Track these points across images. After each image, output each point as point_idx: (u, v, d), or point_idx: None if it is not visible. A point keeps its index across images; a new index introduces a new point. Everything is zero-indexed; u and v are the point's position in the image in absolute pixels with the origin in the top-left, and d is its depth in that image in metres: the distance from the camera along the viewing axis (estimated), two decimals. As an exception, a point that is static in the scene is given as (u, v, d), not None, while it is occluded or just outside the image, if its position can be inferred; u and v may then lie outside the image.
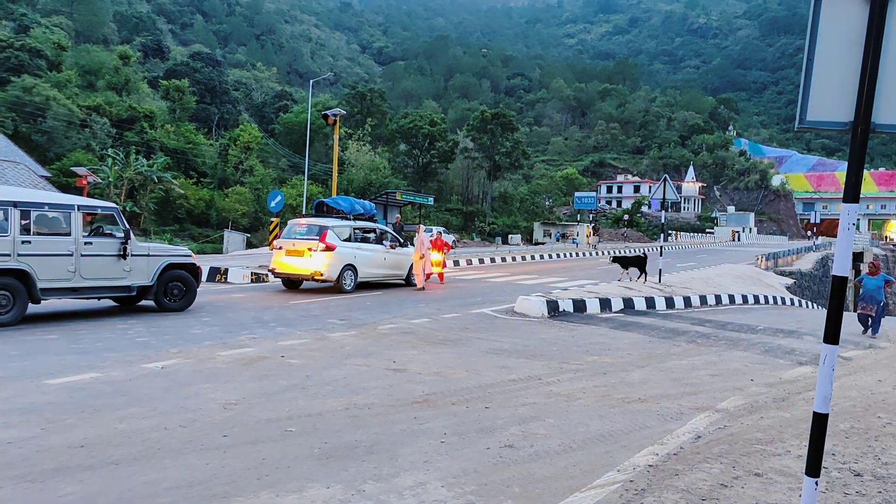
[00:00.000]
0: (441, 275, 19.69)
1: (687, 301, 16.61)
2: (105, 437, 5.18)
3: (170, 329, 10.18)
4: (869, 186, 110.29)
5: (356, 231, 17.19)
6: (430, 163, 65.35)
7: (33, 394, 6.30)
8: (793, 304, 22.46)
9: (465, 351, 9.34)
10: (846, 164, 3.00)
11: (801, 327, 14.11)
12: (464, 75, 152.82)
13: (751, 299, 19.41)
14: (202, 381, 6.99)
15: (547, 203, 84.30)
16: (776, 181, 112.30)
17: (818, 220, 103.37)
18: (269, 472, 4.58)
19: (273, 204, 24.62)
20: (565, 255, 38.76)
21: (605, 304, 14.73)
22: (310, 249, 15.75)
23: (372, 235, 17.83)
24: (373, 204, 22.15)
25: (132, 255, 11.43)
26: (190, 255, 12.75)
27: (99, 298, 11.72)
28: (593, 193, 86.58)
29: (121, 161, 39.10)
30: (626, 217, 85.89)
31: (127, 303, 12.39)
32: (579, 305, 14.20)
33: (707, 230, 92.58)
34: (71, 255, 10.66)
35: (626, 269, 19.81)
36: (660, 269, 19.41)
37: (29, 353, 8.14)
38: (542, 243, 60.43)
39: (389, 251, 17.86)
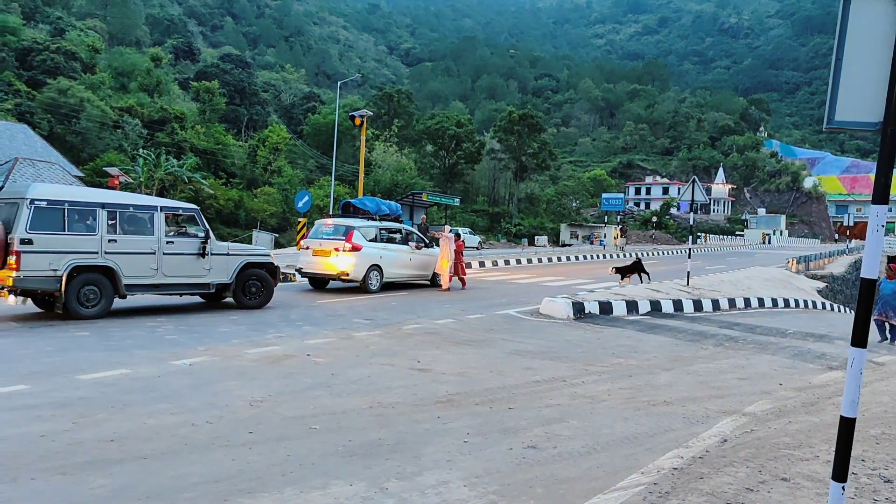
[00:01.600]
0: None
1: (715, 304, 16.43)
2: (134, 431, 5.27)
3: (198, 327, 10.32)
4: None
5: (382, 231, 17.26)
6: (456, 164, 65.41)
7: (66, 389, 6.43)
8: (824, 308, 22.09)
9: (489, 352, 9.34)
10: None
11: (832, 331, 13.88)
12: (491, 76, 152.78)
13: (781, 303, 19.13)
14: (229, 379, 7.08)
15: (574, 204, 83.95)
16: (808, 183, 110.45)
17: (852, 223, 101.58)
18: (293, 469, 4.62)
19: (300, 204, 24.82)
20: (592, 257, 38.53)
21: (632, 306, 14.61)
22: (336, 249, 15.85)
23: (398, 236, 17.89)
24: (398, 205, 22.21)
25: (212, 254, 11.99)
26: (268, 255, 13.29)
27: (181, 295, 12.34)
28: (621, 195, 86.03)
29: (152, 161, 39.72)
30: (654, 219, 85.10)
31: (212, 299, 12.90)
32: (605, 307, 14.11)
33: (737, 232, 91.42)
34: (153, 253, 11.29)
35: (628, 277, 19.73)
36: (688, 272, 19.22)
37: (62, 349, 8.31)
38: (569, 245, 60.15)
39: (415, 252, 17.90)
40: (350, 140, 59.09)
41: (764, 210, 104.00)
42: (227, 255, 12.36)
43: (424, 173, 64.10)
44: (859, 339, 2.99)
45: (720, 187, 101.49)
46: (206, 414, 5.80)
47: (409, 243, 17.95)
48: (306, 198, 25.29)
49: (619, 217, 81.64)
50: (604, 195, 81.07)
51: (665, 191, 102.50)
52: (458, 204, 49.42)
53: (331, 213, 29.68)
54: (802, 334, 12.93)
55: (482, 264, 27.86)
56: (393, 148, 60.60)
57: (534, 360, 8.91)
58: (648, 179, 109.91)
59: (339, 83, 45.16)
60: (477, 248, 44.63)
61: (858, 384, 2.97)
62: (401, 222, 19.40)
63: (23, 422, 5.40)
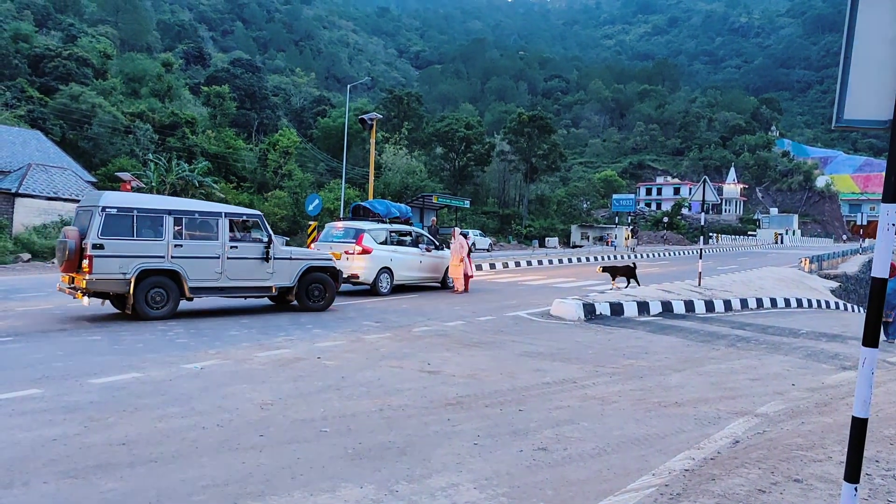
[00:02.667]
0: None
1: (727, 304, 16.33)
2: (145, 435, 5.29)
3: (208, 331, 10.36)
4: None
5: (392, 234, 17.29)
6: (466, 166, 65.39)
7: (77, 393, 6.47)
8: (837, 307, 21.92)
9: (499, 353, 9.32)
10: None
11: (846, 331, 13.76)
12: (500, 78, 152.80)
13: (793, 303, 19.00)
14: (239, 382, 7.10)
15: (584, 206, 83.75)
16: (821, 182, 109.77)
17: (865, 222, 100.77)
18: (303, 472, 4.63)
19: (311, 208, 24.83)
20: (604, 259, 38.39)
21: (643, 307, 14.55)
22: (347, 252, 15.89)
23: (408, 238, 17.91)
24: (409, 207, 22.24)
25: (275, 259, 12.42)
26: (330, 259, 13.57)
27: (244, 297, 12.75)
28: (631, 196, 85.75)
29: (163, 166, 39.93)
30: (665, 219, 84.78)
31: (276, 302, 13.42)
32: (616, 308, 14.05)
33: (749, 232, 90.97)
34: (218, 257, 11.78)
35: (615, 278, 19.35)
36: (699, 272, 19.12)
37: (73, 353, 8.36)
38: (580, 246, 60.02)
39: (425, 254, 17.91)
40: (360, 143, 59.20)
41: (776, 210, 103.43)
42: (290, 259, 12.75)
43: (434, 175, 64.10)
44: (870, 338, 2.96)
45: (732, 187, 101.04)
46: (216, 417, 5.81)
47: (420, 246, 17.97)
48: (316, 201, 25.30)
49: (629, 218, 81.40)
50: (614, 196, 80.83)
51: (676, 191, 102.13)
52: (468, 206, 49.40)
53: (341, 216, 29.73)
54: (815, 334, 12.83)
55: (493, 266, 27.83)
56: (403, 150, 60.64)
57: (544, 361, 8.88)
58: (659, 180, 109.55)
59: (348, 86, 45.25)
60: (487, 250, 44.62)
61: (870, 384, 2.94)
62: (411, 225, 19.41)
63: (34, 426, 5.43)
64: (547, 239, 61.03)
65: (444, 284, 18.58)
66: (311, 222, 25.50)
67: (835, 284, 29.31)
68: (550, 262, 33.46)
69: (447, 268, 18.42)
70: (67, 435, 5.22)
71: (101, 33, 76.36)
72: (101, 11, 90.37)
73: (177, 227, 11.39)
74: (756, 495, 4.03)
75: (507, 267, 28.84)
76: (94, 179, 35.73)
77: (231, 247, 11.93)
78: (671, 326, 12.84)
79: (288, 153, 53.16)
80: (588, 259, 36.69)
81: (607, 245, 58.67)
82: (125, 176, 30.14)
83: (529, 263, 31.57)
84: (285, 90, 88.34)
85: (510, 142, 68.88)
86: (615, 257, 39.10)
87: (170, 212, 11.39)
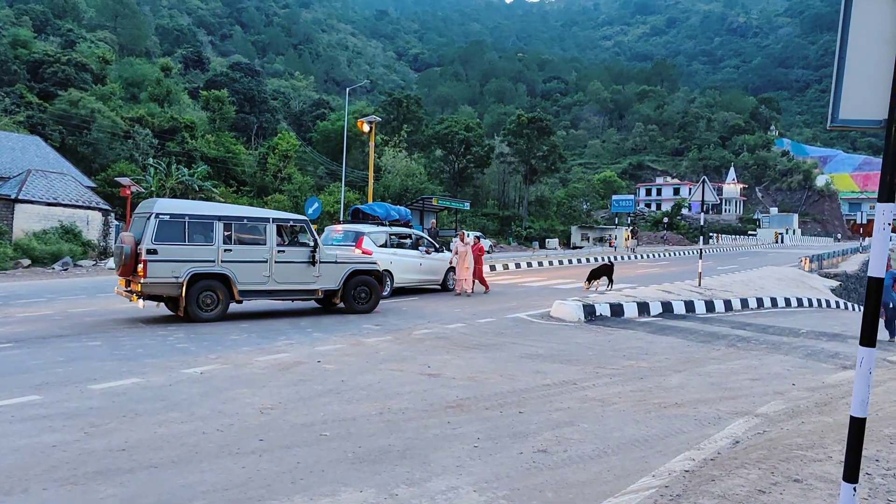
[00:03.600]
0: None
1: (727, 304, 16.33)
2: (145, 440, 5.29)
3: (208, 335, 10.36)
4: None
5: (392, 237, 17.29)
6: (465, 168, 65.38)
7: (77, 399, 6.47)
8: (838, 306, 21.91)
9: (499, 356, 9.32)
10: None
11: (846, 330, 13.75)
12: (499, 80, 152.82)
13: (794, 302, 18.99)
14: (239, 387, 7.09)
15: (584, 207, 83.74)
16: (820, 181, 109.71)
17: (865, 221, 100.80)
18: (303, 476, 4.62)
19: (310, 211, 24.86)
20: (604, 260, 38.36)
21: (643, 307, 14.55)
22: (346, 255, 15.86)
23: (408, 241, 17.90)
24: (408, 210, 22.26)
25: (321, 263, 12.79)
26: (374, 263, 13.96)
27: (292, 300, 13.24)
28: (631, 196, 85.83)
29: (163, 171, 39.97)
30: (665, 220, 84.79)
31: (324, 304, 13.87)
32: (616, 309, 14.05)
33: (749, 232, 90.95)
34: (266, 261, 12.18)
35: (597, 280, 19.02)
36: (699, 273, 19.12)
37: (74, 359, 8.36)
38: (580, 247, 60.01)
39: (425, 256, 17.90)
40: (359, 146, 59.23)
41: (776, 209, 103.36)
42: (336, 262, 13.10)
43: (434, 178, 64.07)
44: (868, 338, 2.96)
45: (731, 187, 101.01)
46: (216, 422, 5.81)
47: (420, 248, 17.97)
48: (316, 204, 25.34)
49: (629, 219, 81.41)
50: (614, 197, 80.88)
51: (676, 191, 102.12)
52: (467, 208, 49.35)
53: (341, 219, 29.75)
54: (815, 334, 12.83)
55: (493, 268, 27.82)
56: (402, 153, 60.63)
57: (544, 363, 8.88)
58: (659, 180, 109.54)
59: (347, 89, 45.26)
60: (488, 252, 44.61)
61: (868, 383, 2.94)
62: (411, 227, 19.41)
63: (34, 432, 5.43)
64: (547, 240, 61.02)
65: (444, 287, 18.57)
66: (310, 226, 25.52)
67: (835, 283, 29.28)
68: (551, 263, 33.46)
69: (447, 270, 18.42)
70: (67, 441, 5.22)
71: (100, 38, 76.48)
72: (99, 17, 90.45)
73: (226, 233, 11.82)
74: (756, 496, 4.02)
75: (508, 268, 28.83)
76: (93, 185, 35.72)
77: (278, 251, 12.31)
78: (671, 327, 12.84)
79: (287, 157, 53.18)
80: (588, 260, 36.66)
81: (611, 245, 58.65)
82: (125, 181, 30.14)
83: (530, 265, 31.56)
84: (284, 94, 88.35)
85: (509, 143, 68.86)
86: (615, 258, 39.09)
87: (220, 217, 11.82)
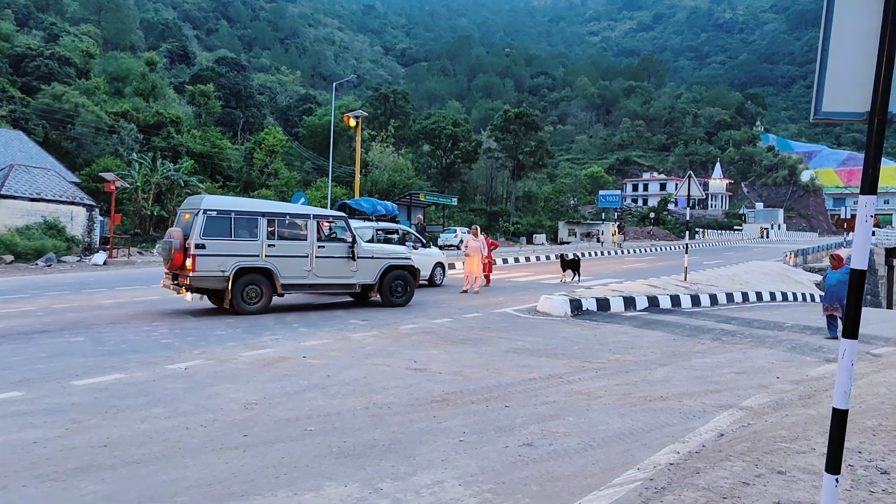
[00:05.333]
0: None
1: (713, 299, 16.42)
2: (127, 436, 5.24)
3: (193, 331, 10.29)
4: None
5: (378, 232, 17.24)
6: (453, 163, 65.37)
7: (59, 395, 6.40)
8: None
9: (485, 350, 9.32)
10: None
11: (830, 324, 13.84)
12: (487, 75, 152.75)
13: (779, 296, 19.13)
14: (223, 382, 7.05)
15: (571, 202, 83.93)
16: (805, 177, 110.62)
17: (849, 216, 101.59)
18: (287, 471, 4.60)
19: (297, 206, 24.75)
20: (590, 255, 38.51)
21: (630, 302, 14.60)
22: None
23: (395, 236, 17.87)
24: (395, 205, 22.21)
25: (359, 258, 13.14)
26: (409, 258, 14.28)
27: (331, 294, 13.63)
28: (618, 192, 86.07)
29: (147, 166, 39.64)
30: (651, 215, 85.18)
31: (360, 298, 14.09)
32: (603, 304, 14.09)
33: (735, 227, 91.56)
34: (307, 256, 12.54)
35: (564, 271, 20.88)
36: (685, 267, 19.20)
37: (56, 354, 8.27)
38: (567, 243, 60.19)
39: (412, 252, 17.85)
40: (346, 141, 59.01)
41: (762, 204, 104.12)
42: (372, 258, 13.44)
43: (422, 173, 64.02)
44: (850, 330, 2.97)
45: (717, 182, 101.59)
46: (200, 417, 5.77)
47: (407, 244, 17.93)
48: (302, 200, 25.25)
49: (616, 214, 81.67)
50: (601, 192, 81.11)
51: (662, 187, 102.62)
52: (455, 203, 49.42)
53: (327, 214, 29.59)
54: (800, 327, 12.92)
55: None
56: (390, 148, 60.50)
57: (530, 357, 8.88)
58: (646, 176, 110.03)
59: (334, 84, 45.09)
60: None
61: (850, 375, 2.95)
62: (398, 222, 19.37)
63: (14, 429, 5.37)
64: (535, 235, 61.14)
65: (431, 282, 18.54)
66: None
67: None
68: (538, 258, 33.51)
69: (434, 265, 18.39)
70: (48, 437, 5.16)
71: (84, 32, 75.67)
72: (83, 10, 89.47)
73: (270, 228, 12.17)
74: (740, 488, 4.04)
75: (495, 264, 28.82)
76: (77, 180, 35.39)
77: (319, 246, 12.66)
78: (657, 321, 12.89)
79: (274, 152, 52.92)
80: (575, 255, 36.74)
81: (599, 241, 58.83)
82: (109, 176, 29.85)
83: (517, 260, 31.60)
84: (271, 88, 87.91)
85: (497, 139, 68.90)
86: (602, 253, 39.22)
87: (264, 214, 12.18)
